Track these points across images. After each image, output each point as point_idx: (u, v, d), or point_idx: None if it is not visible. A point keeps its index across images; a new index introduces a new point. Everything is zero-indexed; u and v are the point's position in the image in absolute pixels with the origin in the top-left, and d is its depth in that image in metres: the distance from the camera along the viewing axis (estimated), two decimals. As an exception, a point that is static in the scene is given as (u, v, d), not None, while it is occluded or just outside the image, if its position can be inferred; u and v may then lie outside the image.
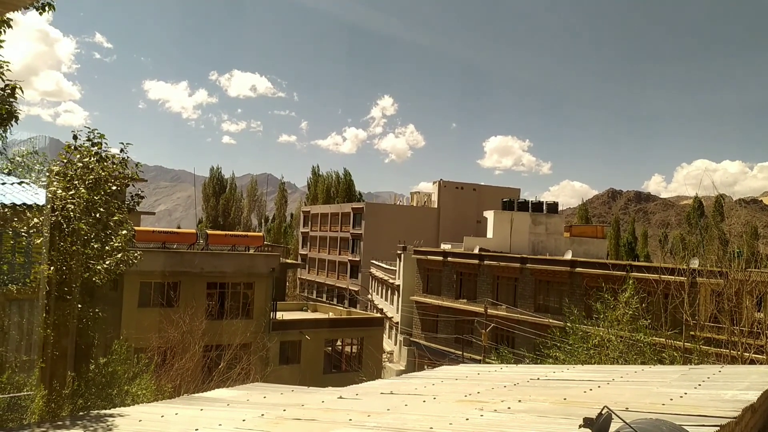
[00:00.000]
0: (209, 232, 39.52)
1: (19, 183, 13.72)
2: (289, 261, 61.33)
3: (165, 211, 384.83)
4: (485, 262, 44.91)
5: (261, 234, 47.03)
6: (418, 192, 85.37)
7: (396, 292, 54.98)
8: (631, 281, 19.88)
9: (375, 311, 59.31)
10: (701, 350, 17.67)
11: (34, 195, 13.92)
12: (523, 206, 51.78)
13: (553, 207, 52.69)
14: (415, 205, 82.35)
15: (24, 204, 12.93)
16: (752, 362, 16.33)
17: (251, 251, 35.98)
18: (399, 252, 54.40)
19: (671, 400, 4.60)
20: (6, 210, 12.08)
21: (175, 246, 33.63)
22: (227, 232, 49.18)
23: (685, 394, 4.92)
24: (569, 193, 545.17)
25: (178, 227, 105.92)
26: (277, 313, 34.84)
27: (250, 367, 25.05)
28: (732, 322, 17.89)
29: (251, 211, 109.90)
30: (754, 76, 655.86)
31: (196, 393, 12.42)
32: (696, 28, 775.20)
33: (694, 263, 23.17)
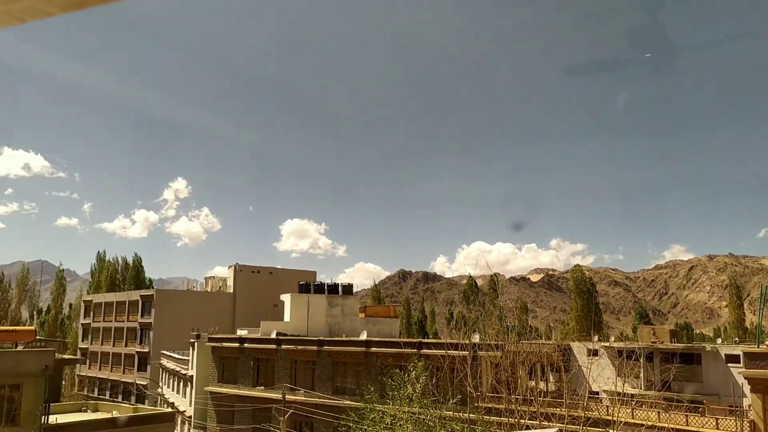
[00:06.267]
0: (-35, 328, 34.27)
1: None
2: (66, 356, 54.80)
3: None
4: (283, 346, 44.30)
5: (32, 328, 41.93)
6: (213, 277, 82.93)
7: (189, 384, 51.77)
8: (419, 359, 20.93)
9: (166, 405, 55.02)
10: (483, 420, 19.01)
11: None
12: (320, 288, 52.49)
13: (348, 288, 54.10)
14: (209, 290, 79.64)
15: None
16: (527, 428, 17.90)
17: (20, 347, 31.82)
18: (192, 340, 51.71)
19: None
20: None
21: None
22: (-11, 328, 43.05)
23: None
24: (363, 274, 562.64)
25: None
26: (51, 416, 30.82)
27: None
28: (509, 391, 19.63)
29: (21, 302, 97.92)
30: (512, 168, 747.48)
31: None
32: (463, 122, 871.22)
33: (475, 338, 25.21)
